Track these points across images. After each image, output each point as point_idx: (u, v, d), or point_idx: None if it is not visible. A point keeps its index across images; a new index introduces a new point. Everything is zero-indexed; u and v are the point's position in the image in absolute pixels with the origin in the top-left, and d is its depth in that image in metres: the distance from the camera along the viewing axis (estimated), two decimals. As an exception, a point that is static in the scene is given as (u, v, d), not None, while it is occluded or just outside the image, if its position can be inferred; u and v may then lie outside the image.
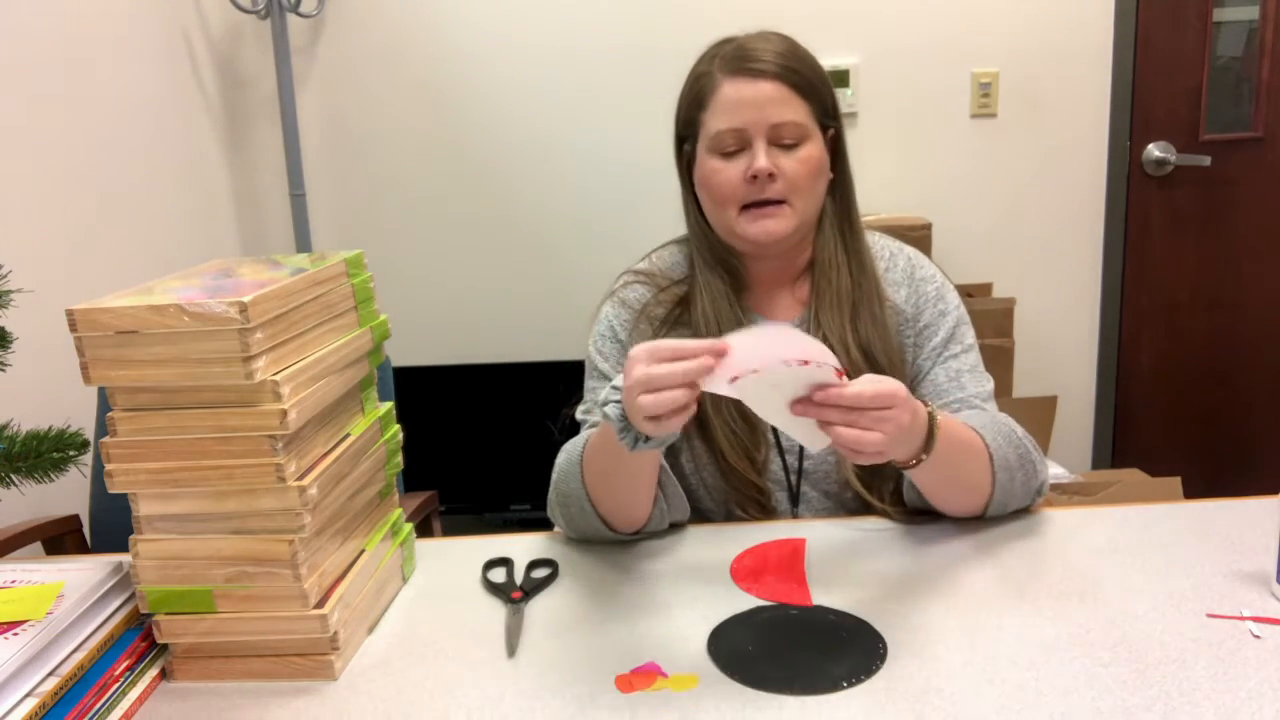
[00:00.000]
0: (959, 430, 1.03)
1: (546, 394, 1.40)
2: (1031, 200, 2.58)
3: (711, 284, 1.19)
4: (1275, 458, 2.66)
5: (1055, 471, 2.26)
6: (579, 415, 1.22)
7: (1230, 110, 2.53)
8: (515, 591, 1.02)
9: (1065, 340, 2.66)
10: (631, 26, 2.49)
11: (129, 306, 0.82)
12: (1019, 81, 2.50)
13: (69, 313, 0.82)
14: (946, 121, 2.54)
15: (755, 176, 1.11)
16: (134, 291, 0.87)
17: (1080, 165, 2.56)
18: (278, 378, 0.83)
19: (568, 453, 1.12)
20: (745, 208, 1.13)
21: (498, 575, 1.07)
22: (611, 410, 0.92)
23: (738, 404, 1.08)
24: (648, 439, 0.92)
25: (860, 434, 0.86)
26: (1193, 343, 2.66)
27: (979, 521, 1.13)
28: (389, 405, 1.09)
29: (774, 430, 1.20)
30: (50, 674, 0.80)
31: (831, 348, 1.14)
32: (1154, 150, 2.54)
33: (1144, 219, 2.59)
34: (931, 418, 0.96)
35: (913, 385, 1.20)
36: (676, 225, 1.29)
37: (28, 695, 0.78)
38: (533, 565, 1.08)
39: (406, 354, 2.39)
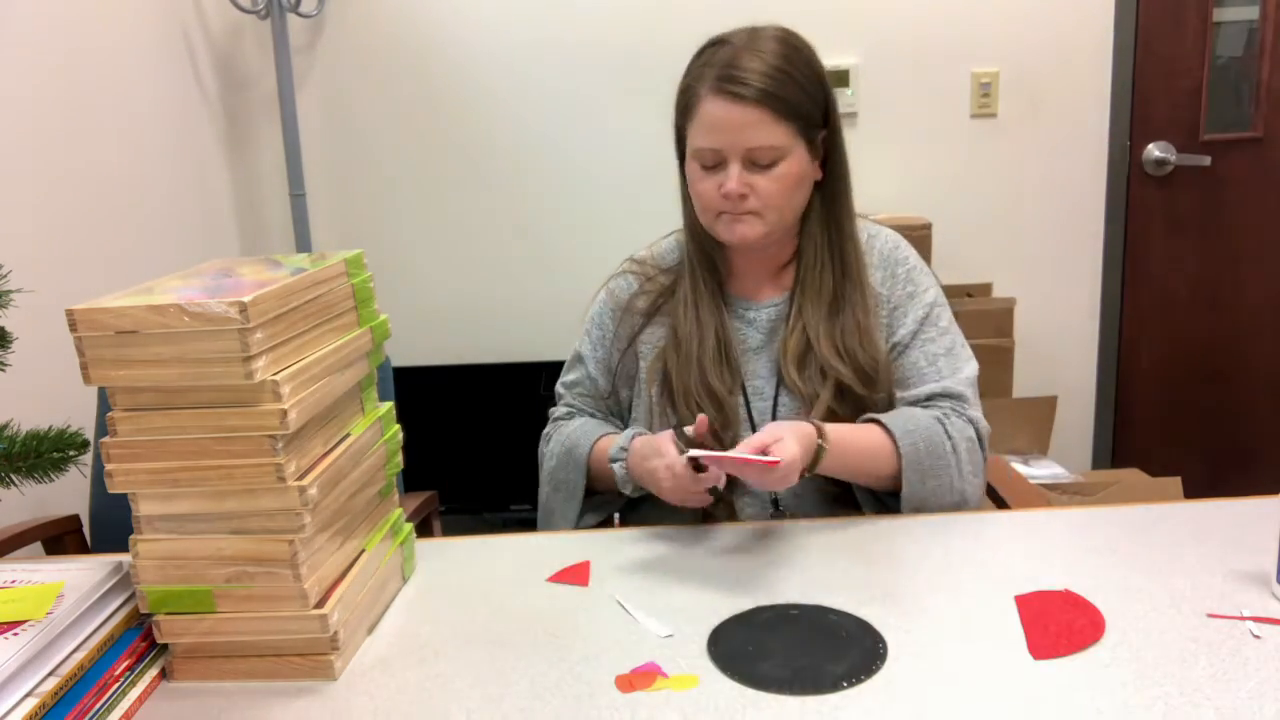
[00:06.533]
0: (859, 442, 1.16)
1: (546, 394, 1.40)
2: (1031, 200, 2.58)
3: (696, 272, 1.26)
4: (1275, 458, 2.66)
5: (1055, 471, 2.26)
6: (558, 388, 1.37)
7: (1230, 110, 2.53)
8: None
9: (1065, 340, 2.66)
10: (632, 25, 2.49)
11: (129, 306, 0.82)
12: (1019, 81, 2.50)
13: (69, 313, 0.82)
14: (946, 121, 2.53)
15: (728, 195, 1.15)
16: (134, 291, 0.87)
17: (1080, 165, 2.55)
18: (278, 378, 0.84)
19: (566, 446, 1.26)
20: (721, 213, 1.18)
21: None
22: (618, 470, 1.19)
23: (706, 386, 1.22)
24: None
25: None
26: (1193, 343, 2.65)
27: (979, 522, 1.13)
28: (389, 405, 1.09)
29: (748, 406, 1.24)
30: (50, 674, 0.80)
31: (810, 341, 1.22)
32: (1154, 150, 2.54)
33: (1144, 219, 2.59)
34: (820, 449, 1.10)
35: (893, 363, 1.26)
36: (677, 224, 1.30)
37: (28, 695, 0.78)
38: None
39: (406, 354, 2.40)
